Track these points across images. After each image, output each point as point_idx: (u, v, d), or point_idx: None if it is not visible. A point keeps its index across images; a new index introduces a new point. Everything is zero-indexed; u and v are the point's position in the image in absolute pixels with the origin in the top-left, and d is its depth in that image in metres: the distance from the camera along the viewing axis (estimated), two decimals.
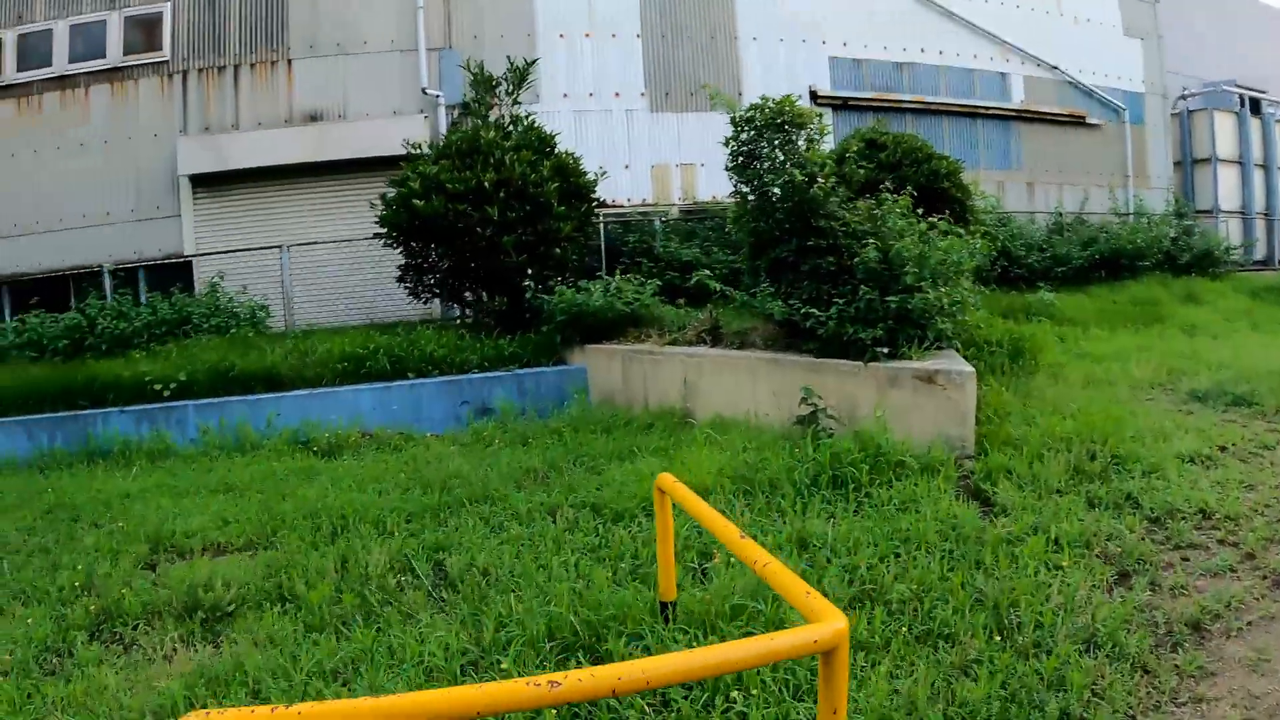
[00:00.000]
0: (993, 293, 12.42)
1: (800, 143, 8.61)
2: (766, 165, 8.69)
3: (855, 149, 12.58)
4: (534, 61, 13.16)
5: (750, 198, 8.97)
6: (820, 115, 9.13)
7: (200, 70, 15.91)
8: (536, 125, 12.86)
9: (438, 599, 4.96)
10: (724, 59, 17.30)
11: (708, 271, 9.72)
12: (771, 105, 8.65)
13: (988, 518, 5.53)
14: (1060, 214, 18.96)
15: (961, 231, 8.81)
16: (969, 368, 7.07)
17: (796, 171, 8.18)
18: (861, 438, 6.46)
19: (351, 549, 5.68)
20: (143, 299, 13.88)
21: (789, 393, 7.46)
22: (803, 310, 7.93)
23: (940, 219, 8.64)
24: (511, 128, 12.70)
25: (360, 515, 6.41)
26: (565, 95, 16.44)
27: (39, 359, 11.79)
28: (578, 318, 10.76)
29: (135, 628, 4.95)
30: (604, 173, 13.15)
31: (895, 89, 18.64)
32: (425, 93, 15.86)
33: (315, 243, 15.04)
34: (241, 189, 15.75)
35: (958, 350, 8.01)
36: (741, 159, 9.00)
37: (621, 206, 16.32)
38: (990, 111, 19.60)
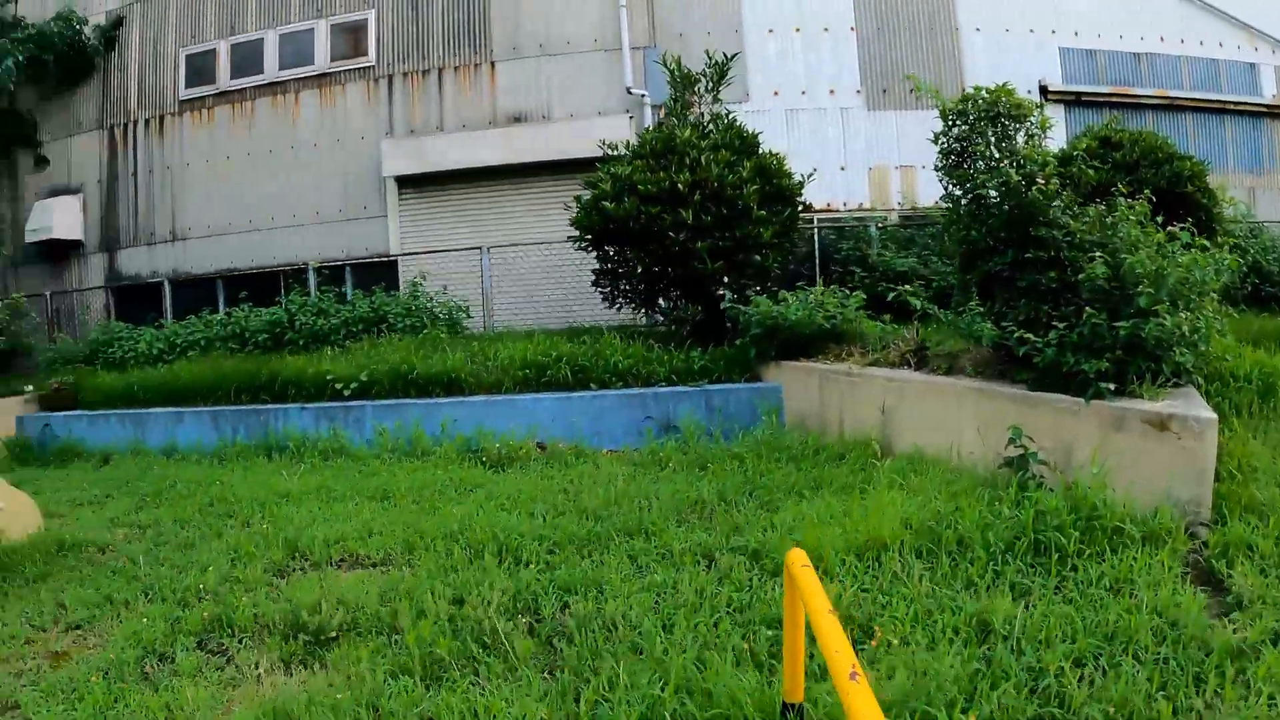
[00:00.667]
0: (1242, 315, 10.38)
1: (1019, 138, 7.36)
2: (980, 164, 7.47)
3: (1084, 147, 10.98)
4: (733, 56, 12.35)
5: (962, 201, 7.76)
6: (1041, 108, 7.80)
7: (404, 74, 16.40)
8: (737, 124, 12.05)
9: (552, 650, 4.30)
10: (944, 52, 15.85)
11: (909, 287, 8.58)
12: (985, 95, 7.44)
13: (1218, 611, 4.21)
14: None
15: (1207, 243, 7.20)
16: (1210, 413, 5.55)
17: (1013, 171, 6.95)
18: (1074, 493, 5.21)
19: (473, 581, 5.12)
20: (348, 296, 14.33)
21: (997, 428, 6.25)
22: (1016, 334, 6.66)
23: (1182, 228, 7.11)
24: (710, 126, 11.98)
25: (500, 540, 5.90)
26: (776, 93, 15.58)
27: (240, 351, 12.33)
28: (774, 331, 9.92)
29: (241, 641, 4.73)
30: (812, 174, 12.14)
31: (1132, 82, 16.45)
32: (630, 92, 15.50)
33: (516, 245, 15.00)
34: (445, 190, 16.05)
35: (1198, 388, 6.48)
36: (952, 157, 7.79)
37: (836, 211, 15.24)
38: (1238, 107, 16.92)
